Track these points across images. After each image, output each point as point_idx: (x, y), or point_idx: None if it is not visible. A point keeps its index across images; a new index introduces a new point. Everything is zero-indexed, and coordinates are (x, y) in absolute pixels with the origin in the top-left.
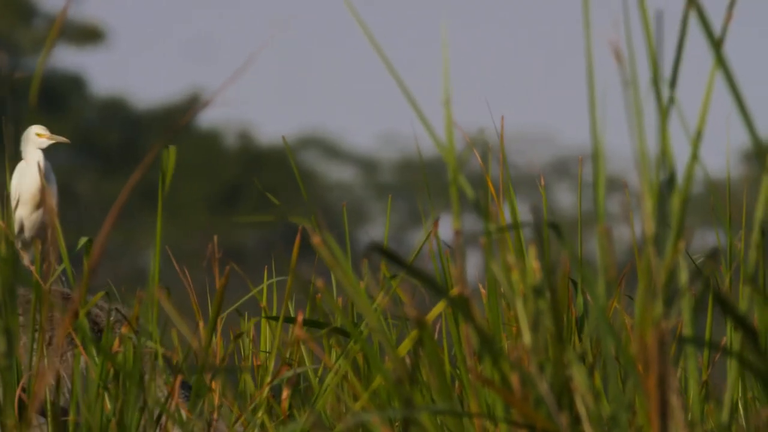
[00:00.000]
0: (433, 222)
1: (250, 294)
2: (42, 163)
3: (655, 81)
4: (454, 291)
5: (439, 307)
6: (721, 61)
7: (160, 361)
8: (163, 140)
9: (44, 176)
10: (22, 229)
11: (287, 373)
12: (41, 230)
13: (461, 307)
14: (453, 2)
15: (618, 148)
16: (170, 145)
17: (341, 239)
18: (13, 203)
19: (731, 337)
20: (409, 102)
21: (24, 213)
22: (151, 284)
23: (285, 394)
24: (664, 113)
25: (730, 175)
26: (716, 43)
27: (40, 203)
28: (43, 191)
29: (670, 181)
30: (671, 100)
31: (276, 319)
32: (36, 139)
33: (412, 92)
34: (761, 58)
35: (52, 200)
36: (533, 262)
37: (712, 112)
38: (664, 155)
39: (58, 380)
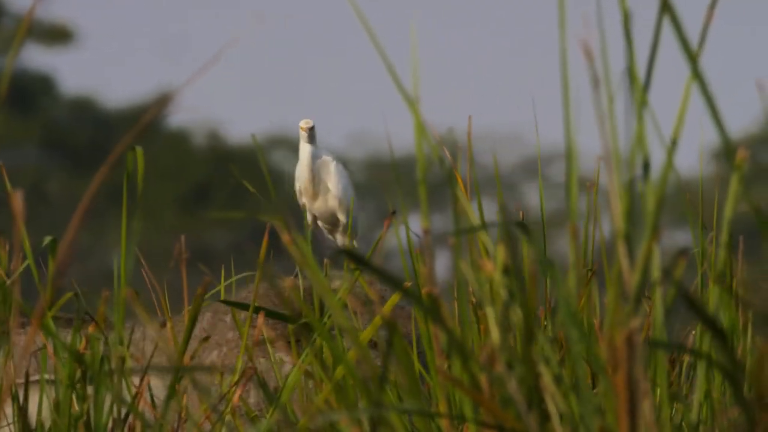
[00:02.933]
0: (388, 218)
1: (216, 289)
2: (309, 155)
3: (633, 78)
4: (424, 290)
5: (395, 298)
6: (696, 75)
7: (127, 362)
8: (129, 140)
9: (314, 167)
10: (315, 218)
11: (252, 374)
12: (335, 220)
13: (430, 307)
14: (424, 2)
15: (585, 148)
16: (137, 146)
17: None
18: (297, 194)
19: (700, 337)
20: (403, 97)
21: (306, 203)
22: (117, 285)
23: (239, 390)
24: (639, 108)
25: (701, 174)
26: (692, 57)
27: (315, 194)
28: (313, 182)
29: (645, 180)
30: (643, 100)
31: (244, 307)
32: (300, 132)
33: (405, 88)
34: (752, 56)
35: (335, 190)
36: (502, 261)
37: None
38: (638, 154)
39: (27, 381)
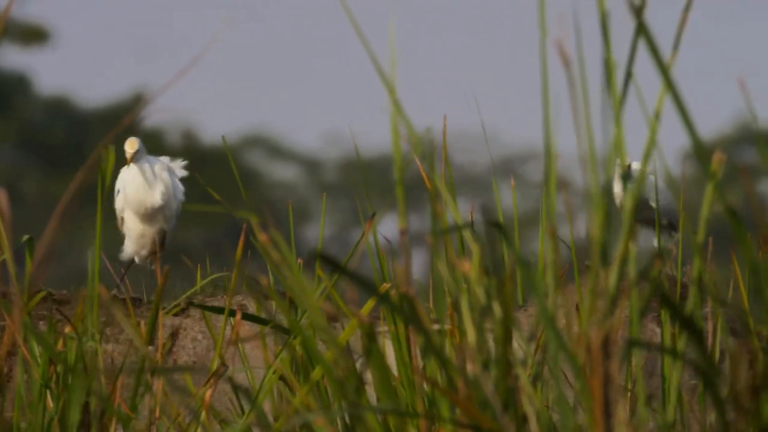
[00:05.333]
0: (369, 220)
1: (195, 288)
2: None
3: (626, 79)
4: (400, 291)
5: (370, 303)
6: (669, 86)
7: (101, 361)
8: (107, 141)
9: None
10: None
11: (223, 372)
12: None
13: (407, 307)
14: (400, 3)
15: (560, 147)
16: (110, 145)
17: (286, 238)
18: None
19: (664, 335)
20: (388, 94)
21: None
22: (91, 284)
23: (209, 392)
24: (617, 107)
25: (672, 175)
26: (664, 69)
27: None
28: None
29: (624, 181)
30: (620, 103)
31: (219, 311)
32: None
33: (393, 84)
34: (728, 56)
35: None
36: (478, 261)
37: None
38: (616, 156)
39: (2, 380)
